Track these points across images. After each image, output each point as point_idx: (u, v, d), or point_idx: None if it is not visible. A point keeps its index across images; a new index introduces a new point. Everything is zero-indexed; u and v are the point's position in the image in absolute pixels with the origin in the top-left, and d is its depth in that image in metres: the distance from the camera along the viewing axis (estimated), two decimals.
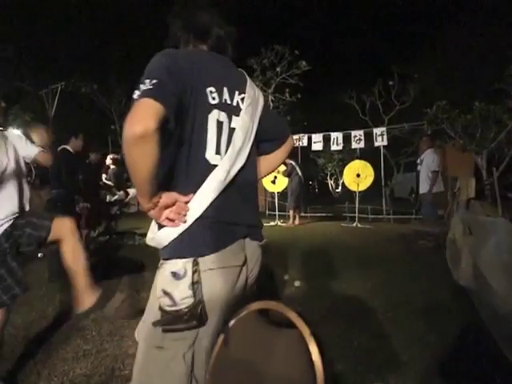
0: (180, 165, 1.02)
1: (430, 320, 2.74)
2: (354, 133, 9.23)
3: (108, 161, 7.44)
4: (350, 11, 25.53)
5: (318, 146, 9.84)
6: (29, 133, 2.39)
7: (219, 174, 1.01)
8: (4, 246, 1.90)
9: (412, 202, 10.54)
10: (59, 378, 2.08)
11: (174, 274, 0.92)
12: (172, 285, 0.92)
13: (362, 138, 9.13)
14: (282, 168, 8.90)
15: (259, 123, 1.18)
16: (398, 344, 2.39)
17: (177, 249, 0.99)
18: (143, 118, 0.84)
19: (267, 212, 11.67)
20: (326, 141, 9.77)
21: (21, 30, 14.81)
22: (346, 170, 9.03)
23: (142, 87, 0.89)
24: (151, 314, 1.00)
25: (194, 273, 0.93)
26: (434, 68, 14.67)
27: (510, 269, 2.47)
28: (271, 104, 13.76)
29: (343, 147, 9.98)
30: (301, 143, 10.08)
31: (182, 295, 0.91)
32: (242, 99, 1.12)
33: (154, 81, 0.89)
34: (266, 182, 9.57)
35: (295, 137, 10.07)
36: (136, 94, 0.89)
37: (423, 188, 5.75)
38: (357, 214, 8.69)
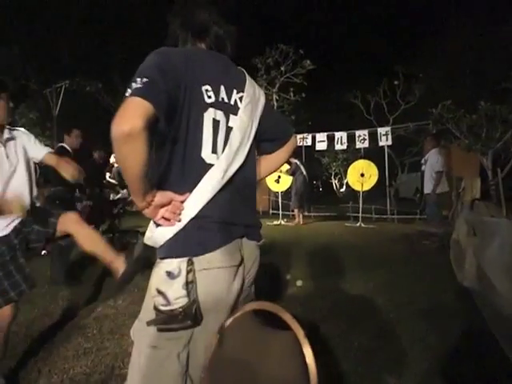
0: (176, 164, 1.01)
1: (432, 321, 2.73)
2: (358, 132, 9.20)
3: (112, 159, 7.46)
4: (354, 10, 25.42)
5: (322, 145, 9.83)
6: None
7: (216, 173, 1.00)
8: (14, 243, 1.94)
9: (417, 202, 10.47)
10: (59, 375, 2.10)
11: (169, 274, 0.91)
12: (166, 284, 0.91)
13: (367, 137, 9.09)
14: (286, 167, 8.89)
15: (260, 122, 1.17)
16: (399, 345, 2.38)
17: (172, 248, 0.98)
18: (131, 116, 0.84)
19: (271, 211, 11.67)
20: (331, 140, 9.75)
21: (26, 28, 14.91)
22: (350, 169, 9.00)
23: (133, 85, 0.89)
24: (146, 313, 0.99)
25: (188, 272, 0.93)
26: (440, 67, 14.57)
27: None
28: (275, 103, 13.73)
29: (348, 147, 9.95)
30: (305, 143, 10.06)
31: (176, 295, 0.90)
32: (241, 98, 1.11)
33: (145, 79, 0.89)
34: (270, 182, 9.56)
35: (299, 136, 10.06)
36: (127, 92, 0.89)
37: (427, 188, 5.71)
38: (360, 214, 8.66)
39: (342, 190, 21.47)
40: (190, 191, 0.99)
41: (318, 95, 17.36)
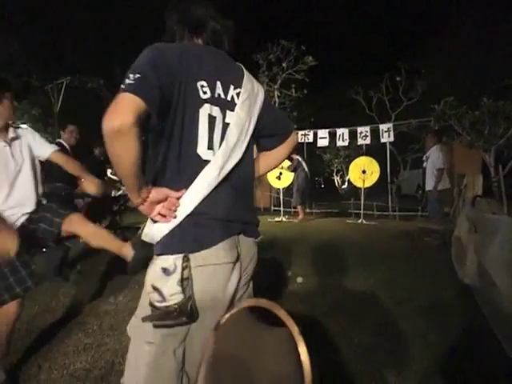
0: (172, 160, 1.01)
1: (432, 318, 2.72)
2: (360, 129, 9.15)
3: None
4: (356, 7, 25.28)
5: (323, 141, 9.79)
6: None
7: (212, 170, 1.00)
8: (21, 238, 1.93)
9: (419, 199, 10.45)
10: (59, 370, 2.11)
11: (165, 270, 0.92)
12: (162, 280, 0.91)
13: (368, 134, 9.05)
14: (287, 163, 8.88)
15: (259, 119, 1.17)
16: (399, 342, 2.38)
17: (168, 245, 0.98)
18: (121, 112, 0.85)
19: (272, 208, 11.67)
20: (332, 137, 9.72)
21: (28, 24, 14.89)
22: (352, 166, 8.98)
23: (126, 81, 0.89)
24: (142, 309, 1.00)
25: (183, 269, 0.93)
26: (442, 64, 14.50)
27: None
28: (277, 100, 13.69)
29: (349, 143, 9.92)
30: (306, 139, 10.02)
31: (171, 291, 0.90)
32: (238, 94, 1.10)
33: (137, 75, 0.89)
34: (272, 178, 9.55)
35: (301, 133, 10.03)
36: (120, 88, 0.89)
37: (429, 185, 5.70)
38: (362, 211, 8.64)
39: (344, 186, 21.45)
40: (186, 188, 0.99)
41: (320, 92, 17.32)
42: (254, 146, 1.33)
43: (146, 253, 1.84)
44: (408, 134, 12.63)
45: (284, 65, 13.50)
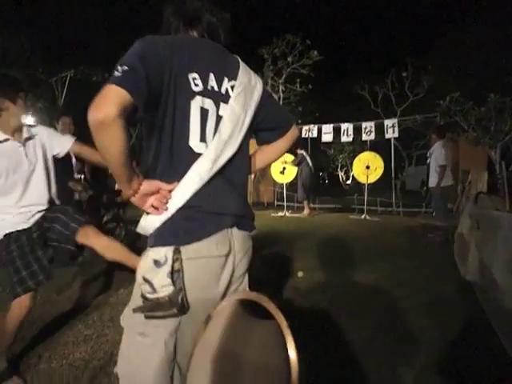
0: (164, 152, 1.01)
1: (432, 314, 2.72)
2: (364, 124, 9.10)
3: None
4: (363, 0, 24.98)
5: (327, 137, 9.75)
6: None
7: (204, 163, 1.00)
8: (34, 236, 2.05)
9: (423, 196, 10.40)
10: (59, 360, 2.13)
11: (156, 262, 0.92)
12: (152, 272, 0.92)
13: (373, 129, 9.00)
14: (291, 158, 8.87)
15: (257, 111, 1.16)
16: (398, 338, 2.37)
17: (160, 237, 0.99)
18: (105, 104, 0.85)
19: (276, 203, 11.66)
20: (337, 132, 9.67)
21: (32, 17, 14.90)
22: (356, 161, 8.94)
23: (114, 74, 0.89)
24: (134, 300, 1.00)
25: (174, 261, 0.93)
26: (449, 59, 14.33)
27: None
28: (282, 94, 13.64)
29: (354, 139, 9.86)
30: (311, 134, 9.98)
31: (161, 283, 0.91)
32: (233, 87, 1.09)
33: (125, 67, 0.89)
34: (275, 173, 9.53)
35: (305, 127, 10.00)
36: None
37: (432, 182, 5.65)
38: (365, 207, 8.61)
39: (348, 182, 21.39)
40: (179, 180, 0.99)
41: (325, 86, 17.23)
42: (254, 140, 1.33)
43: None
44: (413, 130, 12.50)
45: (289, 59, 13.43)
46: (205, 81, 1.04)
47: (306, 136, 9.95)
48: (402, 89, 15.46)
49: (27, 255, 1.98)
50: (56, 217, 2.15)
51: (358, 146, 15.77)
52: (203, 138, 1.02)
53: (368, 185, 8.62)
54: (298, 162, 8.71)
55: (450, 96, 8.49)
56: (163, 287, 0.91)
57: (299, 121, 14.26)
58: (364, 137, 9.16)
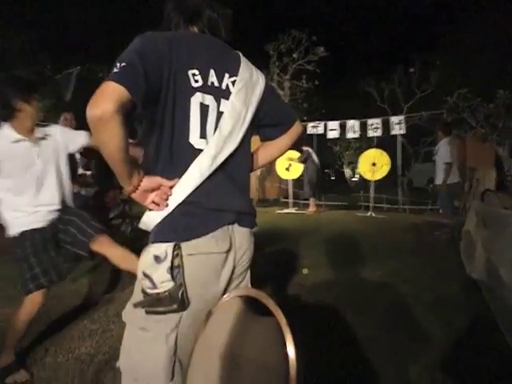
0: (164, 149, 1.02)
1: (437, 312, 2.71)
2: (370, 121, 9.03)
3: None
4: None
5: (334, 133, 9.68)
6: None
7: (204, 159, 1.00)
8: (48, 236, 2.09)
9: (430, 193, 10.32)
10: (65, 355, 2.17)
11: (156, 258, 0.93)
12: (152, 268, 0.92)
13: (379, 126, 8.92)
14: (297, 155, 8.84)
15: (259, 107, 1.15)
16: (402, 336, 2.37)
17: (160, 233, 0.99)
18: (102, 101, 0.85)
19: (281, 199, 11.64)
20: (343, 129, 9.61)
21: (39, 14, 14.98)
22: (362, 158, 8.88)
23: (113, 70, 0.90)
24: (136, 295, 1.01)
25: (174, 257, 0.94)
26: (457, 55, 14.16)
27: None
28: (288, 91, 13.58)
29: (360, 135, 9.80)
30: (316, 131, 9.92)
31: (161, 278, 0.91)
32: (233, 82, 1.09)
33: (123, 64, 0.90)
34: (281, 170, 9.51)
35: (311, 124, 9.95)
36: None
37: (438, 179, 5.60)
38: (371, 204, 8.56)
39: (355, 179, 21.30)
40: (179, 177, 1.00)
41: (331, 83, 17.12)
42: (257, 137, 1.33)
43: None
44: (420, 127, 12.40)
45: (295, 55, 13.36)
46: (205, 77, 1.04)
47: (312, 133, 9.90)
48: (409, 85, 15.31)
49: (41, 253, 2.03)
50: (71, 220, 2.18)
51: (364, 142, 15.67)
52: (203, 135, 1.02)
53: (374, 182, 8.57)
54: (304, 159, 8.68)
55: (458, 92, 8.39)
56: (163, 283, 0.91)
57: (305, 117, 14.19)
58: (370, 133, 9.09)
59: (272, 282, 3.42)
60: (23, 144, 2.03)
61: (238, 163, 1.11)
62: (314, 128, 9.81)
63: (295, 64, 13.59)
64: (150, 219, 1.02)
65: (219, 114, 1.05)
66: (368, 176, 8.61)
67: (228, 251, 1.05)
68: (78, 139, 2.27)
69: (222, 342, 0.88)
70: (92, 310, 2.80)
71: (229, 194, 1.07)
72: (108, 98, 0.85)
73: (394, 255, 4.36)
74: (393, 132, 8.78)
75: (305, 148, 8.74)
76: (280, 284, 3.35)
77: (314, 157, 8.68)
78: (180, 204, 0.99)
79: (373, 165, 8.41)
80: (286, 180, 10.13)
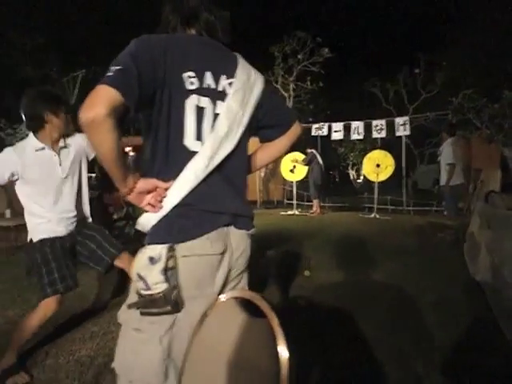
0: (160, 151, 1.02)
1: (439, 314, 2.69)
2: (375, 122, 9.00)
3: (127, 147, 7.54)
4: None
5: (338, 135, 9.66)
6: None
7: (199, 161, 1.00)
8: (67, 245, 2.16)
9: (435, 194, 10.26)
10: (65, 357, 2.17)
11: (151, 259, 0.93)
12: (146, 269, 0.93)
13: (384, 127, 8.89)
14: (302, 157, 8.84)
15: (258, 109, 1.15)
16: (403, 337, 2.35)
17: (156, 234, 1.00)
18: (94, 104, 0.86)
19: (285, 201, 11.64)
20: (347, 130, 9.58)
21: (46, 17, 15.12)
22: (366, 159, 8.86)
23: (107, 73, 0.90)
24: (131, 296, 1.01)
25: (168, 259, 0.93)
26: (463, 55, 14.07)
27: None
28: (292, 92, 13.57)
29: (365, 137, 9.76)
30: (321, 132, 9.91)
31: (155, 280, 0.91)
32: (230, 84, 1.09)
33: (118, 67, 0.90)
34: (285, 171, 9.51)
35: (315, 126, 9.94)
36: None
37: (442, 180, 5.56)
38: (375, 205, 8.53)
39: (359, 180, 21.22)
40: (175, 179, 1.00)
41: (336, 84, 17.08)
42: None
43: None
44: (426, 128, 12.35)
45: (300, 57, 13.34)
46: (201, 79, 1.04)
47: (317, 134, 9.89)
48: (414, 86, 15.26)
49: (60, 260, 2.08)
50: (91, 235, 2.25)
51: (369, 144, 15.61)
52: (199, 137, 1.02)
53: (379, 183, 8.54)
54: (309, 161, 8.68)
55: (463, 93, 8.33)
56: (157, 284, 0.91)
57: (310, 119, 14.19)
58: (375, 135, 9.06)
59: (274, 283, 3.42)
60: (46, 152, 2.10)
61: (234, 165, 1.10)
62: (319, 130, 9.80)
63: (300, 65, 13.57)
64: (146, 221, 1.03)
65: (215, 116, 1.05)
66: (372, 177, 8.58)
67: (223, 253, 1.05)
68: None
69: (216, 343, 0.87)
70: (94, 312, 2.81)
71: (225, 196, 1.07)
72: (100, 102, 0.86)
73: (397, 257, 4.33)
74: (397, 133, 8.74)
75: (309, 150, 8.75)
76: (282, 285, 3.34)
77: (319, 158, 8.68)
78: (175, 206, 1.00)
79: (377, 166, 8.38)
80: (290, 182, 10.13)
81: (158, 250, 0.94)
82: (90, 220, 2.36)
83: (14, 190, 2.10)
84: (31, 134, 2.10)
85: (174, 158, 1.01)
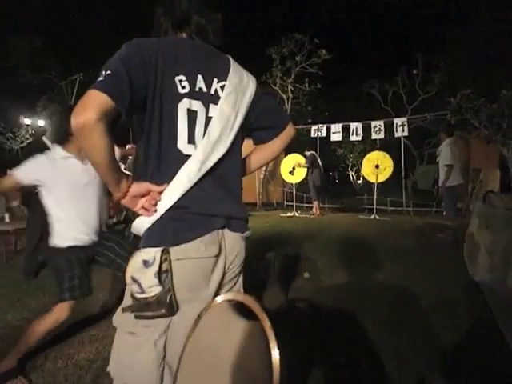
0: (152, 155, 1.02)
1: (438, 315, 2.68)
2: (373, 123, 9.01)
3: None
4: None
5: (337, 136, 9.68)
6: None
7: (192, 164, 1.00)
8: (89, 254, 2.22)
9: (435, 195, 10.27)
10: (64, 360, 2.17)
11: (145, 262, 0.93)
12: (140, 272, 0.93)
13: (382, 128, 8.91)
14: (302, 160, 8.86)
15: (250, 111, 1.16)
16: (402, 339, 2.35)
17: (149, 238, 1.00)
18: (85, 109, 0.86)
19: (285, 203, 11.65)
20: (346, 131, 9.60)
21: (46, 21, 15.17)
22: (365, 161, 8.87)
23: (98, 78, 0.91)
24: (126, 300, 1.01)
25: (162, 262, 0.94)
26: (461, 55, 14.09)
27: None
28: (290, 94, 13.59)
29: (364, 138, 9.78)
30: (320, 133, 9.92)
31: (149, 283, 0.92)
32: (222, 87, 1.09)
33: (108, 72, 0.91)
34: (285, 173, 9.53)
35: (314, 127, 9.96)
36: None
37: (441, 181, 5.56)
38: (375, 206, 8.54)
39: (359, 181, 21.23)
40: (169, 182, 1.00)
41: (334, 86, 17.13)
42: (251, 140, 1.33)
43: None
44: (424, 128, 12.38)
45: (297, 58, 13.35)
46: (192, 82, 1.04)
47: (315, 136, 9.91)
48: (412, 87, 15.28)
49: (82, 267, 2.14)
50: (111, 246, 2.32)
51: (368, 145, 15.64)
52: (192, 140, 1.03)
53: (378, 184, 8.54)
54: (311, 163, 8.68)
55: (461, 93, 8.34)
56: (151, 287, 0.91)
57: (309, 120, 14.21)
58: (373, 136, 9.08)
59: (274, 285, 3.41)
60: (71, 161, 2.16)
61: (228, 167, 1.11)
62: (317, 131, 9.82)
63: (298, 67, 13.58)
64: (140, 224, 1.03)
65: (208, 120, 1.06)
66: (371, 178, 8.59)
67: (218, 256, 1.05)
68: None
69: (210, 346, 0.87)
70: (93, 315, 2.79)
71: (218, 198, 1.07)
72: (91, 107, 0.86)
73: (396, 258, 4.33)
74: (396, 134, 8.76)
75: (308, 152, 8.76)
76: (282, 287, 3.34)
77: (319, 160, 8.71)
78: (169, 209, 1.00)
79: (376, 167, 8.39)
80: (290, 183, 10.14)
81: (152, 253, 0.94)
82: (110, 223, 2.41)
83: (12, 193, 2.12)
84: (56, 145, 2.18)
85: (167, 162, 1.02)
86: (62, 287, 2.06)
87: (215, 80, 1.09)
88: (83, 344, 2.37)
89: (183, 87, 1.02)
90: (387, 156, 8.37)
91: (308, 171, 8.88)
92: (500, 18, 12.51)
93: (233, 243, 1.11)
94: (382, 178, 8.41)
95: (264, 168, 11.16)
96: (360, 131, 9.19)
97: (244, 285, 1.24)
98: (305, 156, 8.87)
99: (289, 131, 1.28)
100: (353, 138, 9.49)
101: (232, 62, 1.16)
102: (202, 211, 1.02)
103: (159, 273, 0.92)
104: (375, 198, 8.54)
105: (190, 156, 1.01)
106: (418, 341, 2.32)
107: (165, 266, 0.94)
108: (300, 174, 9.26)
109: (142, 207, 1.01)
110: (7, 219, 4.90)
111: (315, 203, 8.92)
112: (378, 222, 7.66)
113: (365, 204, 10.01)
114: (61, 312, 2.05)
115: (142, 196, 1.01)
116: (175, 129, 1.01)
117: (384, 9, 23.80)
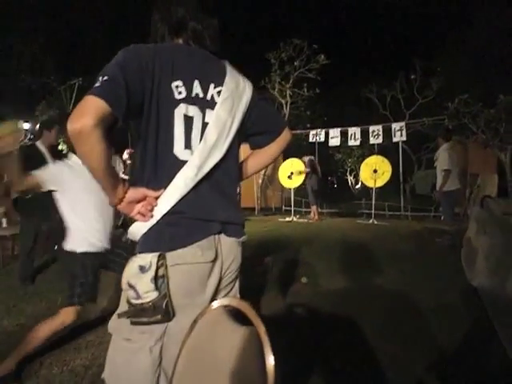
0: (149, 161, 1.02)
1: (436, 320, 2.68)
2: (372, 128, 9.05)
3: (125, 156, 7.52)
4: (370, 3, 24.87)
5: (335, 141, 9.71)
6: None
7: (189, 170, 1.00)
8: (101, 261, 2.25)
9: (433, 199, 10.29)
10: (59, 367, 2.15)
11: (141, 268, 0.93)
12: (136, 278, 0.93)
13: (380, 133, 8.94)
14: (301, 165, 8.86)
15: (247, 116, 1.16)
16: (400, 343, 2.34)
17: (146, 243, 1.00)
18: (82, 115, 0.86)
19: (283, 207, 11.65)
20: (344, 136, 9.62)
21: (45, 25, 15.19)
22: (363, 165, 8.88)
23: (95, 84, 0.91)
24: (121, 306, 1.01)
25: (159, 267, 0.93)
26: (459, 61, 14.18)
27: None
28: (289, 99, 13.62)
29: (362, 142, 9.80)
30: (318, 138, 9.95)
31: (145, 289, 0.91)
32: (219, 92, 1.10)
33: (105, 77, 0.91)
34: (283, 178, 9.53)
35: (312, 132, 9.98)
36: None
37: (438, 186, 5.56)
38: (373, 211, 8.53)
39: (357, 186, 21.26)
40: (165, 187, 1.00)
41: (333, 90, 17.18)
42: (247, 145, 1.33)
43: None
44: (423, 133, 12.40)
45: (296, 63, 13.38)
46: (189, 88, 1.04)
47: (314, 140, 9.93)
48: (410, 91, 15.35)
49: (94, 274, 2.18)
50: (120, 253, 2.34)
51: (366, 149, 15.66)
52: (188, 145, 1.03)
53: (376, 189, 8.55)
54: (312, 169, 8.68)
55: (459, 98, 8.37)
56: (147, 293, 0.91)
57: (308, 125, 14.24)
58: (372, 140, 9.10)
59: (272, 289, 3.41)
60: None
61: (225, 172, 1.11)
62: (316, 136, 9.84)
63: (297, 72, 13.60)
64: (137, 230, 1.03)
65: (204, 125, 1.06)
66: (370, 183, 8.60)
67: (214, 261, 1.05)
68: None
69: (206, 351, 0.87)
70: (89, 321, 2.77)
71: (215, 203, 1.07)
72: (88, 113, 0.86)
73: (394, 263, 4.32)
74: (394, 139, 8.78)
75: (306, 157, 8.78)
76: (280, 292, 3.33)
77: (317, 165, 8.73)
78: (165, 214, 1.00)
79: (374, 172, 8.39)
80: (288, 188, 10.15)
81: (149, 258, 0.94)
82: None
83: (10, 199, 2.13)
84: (72, 154, 2.21)
85: (164, 167, 1.02)
86: (74, 292, 2.07)
87: (212, 85, 1.09)
88: (79, 350, 2.35)
89: (180, 93, 1.02)
90: (385, 161, 8.39)
91: (306, 176, 8.89)
92: (498, 23, 12.61)
93: (229, 248, 1.11)
94: (380, 183, 8.42)
95: (262, 173, 11.18)
96: (358, 136, 9.22)
97: (242, 289, 1.24)
98: (304, 162, 8.89)
99: (285, 136, 1.28)
100: (351, 142, 9.52)
101: (228, 67, 1.17)
102: (198, 216, 1.02)
103: (155, 278, 0.92)
104: (373, 202, 8.54)
105: (186, 161, 1.01)
106: (416, 345, 2.32)
107: (161, 272, 0.94)
108: (298, 179, 9.27)
109: (139, 212, 1.01)
110: (4, 224, 4.88)
111: (313, 208, 8.92)
112: (376, 227, 7.66)
113: (363, 209, 10.00)
114: (67, 316, 2.04)
115: (138, 201, 1.01)
116: (172, 134, 1.02)
117: (382, 15, 24.02)
